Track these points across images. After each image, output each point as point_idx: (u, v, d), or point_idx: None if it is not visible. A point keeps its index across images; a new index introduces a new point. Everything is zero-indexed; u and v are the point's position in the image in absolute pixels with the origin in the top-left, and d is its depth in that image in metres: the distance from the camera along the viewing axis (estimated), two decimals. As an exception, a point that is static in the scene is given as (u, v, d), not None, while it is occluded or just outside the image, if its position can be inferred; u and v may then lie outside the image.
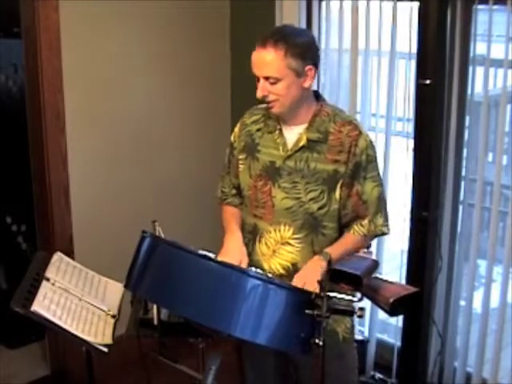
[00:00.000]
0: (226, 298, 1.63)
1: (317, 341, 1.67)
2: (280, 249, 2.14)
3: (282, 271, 2.14)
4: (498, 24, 2.66)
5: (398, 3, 2.89)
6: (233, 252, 2.13)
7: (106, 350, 1.95)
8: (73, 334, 1.94)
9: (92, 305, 2.12)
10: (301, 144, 2.09)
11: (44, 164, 3.02)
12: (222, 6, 3.58)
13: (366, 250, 1.89)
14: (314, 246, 2.12)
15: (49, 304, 1.97)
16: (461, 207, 2.93)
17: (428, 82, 2.67)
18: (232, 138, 2.31)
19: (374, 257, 1.83)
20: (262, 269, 2.16)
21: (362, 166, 2.08)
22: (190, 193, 3.67)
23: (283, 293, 1.67)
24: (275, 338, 1.65)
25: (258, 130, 2.20)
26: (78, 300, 2.10)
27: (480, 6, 2.67)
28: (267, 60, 1.97)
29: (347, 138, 2.07)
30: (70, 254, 2.88)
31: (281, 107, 2.05)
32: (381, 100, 3.15)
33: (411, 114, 2.93)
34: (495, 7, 2.63)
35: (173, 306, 1.75)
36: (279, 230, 2.13)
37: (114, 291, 2.24)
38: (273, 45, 1.96)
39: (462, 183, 2.91)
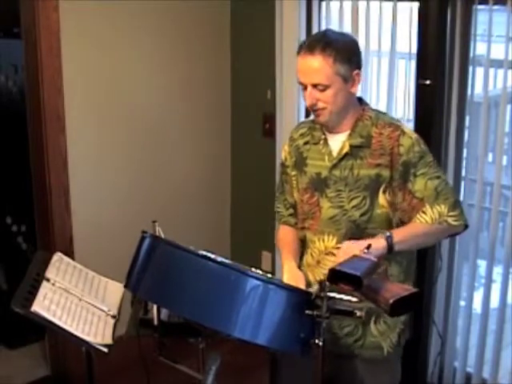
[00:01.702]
0: (225, 298, 1.63)
1: (316, 341, 1.67)
2: (324, 259, 2.10)
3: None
4: (498, 24, 2.66)
5: (398, 3, 2.89)
6: (290, 280, 2.02)
7: (105, 350, 1.95)
8: (73, 334, 1.94)
9: (92, 305, 2.11)
10: (344, 151, 2.05)
11: (44, 164, 3.02)
12: (221, 5, 3.59)
13: (365, 251, 1.88)
14: None
15: (49, 304, 1.97)
16: (461, 207, 2.93)
17: (428, 82, 2.68)
18: (283, 157, 2.27)
19: (374, 257, 1.82)
20: (308, 279, 2.11)
21: (411, 164, 2.00)
22: (190, 193, 3.67)
23: (283, 293, 1.67)
24: (275, 338, 1.65)
25: (306, 143, 2.17)
26: (78, 300, 2.10)
27: (480, 6, 2.67)
28: (316, 67, 1.94)
29: (388, 139, 2.02)
30: (70, 254, 2.88)
31: (328, 115, 2.02)
32: (381, 100, 3.15)
33: (411, 114, 2.93)
34: (495, 7, 2.63)
35: (173, 306, 1.75)
36: (323, 240, 2.11)
37: (114, 291, 2.24)
38: (321, 51, 1.93)
39: (462, 183, 2.91)
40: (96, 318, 2.07)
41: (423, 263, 2.85)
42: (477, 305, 2.97)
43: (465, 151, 2.88)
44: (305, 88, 2.00)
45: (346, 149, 2.05)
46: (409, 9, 2.84)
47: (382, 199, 2.04)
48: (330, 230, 2.09)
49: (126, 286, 1.86)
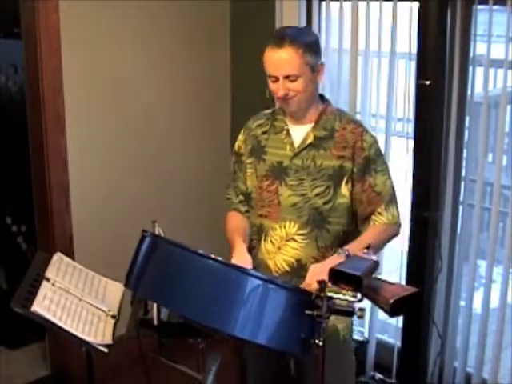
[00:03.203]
0: (225, 298, 1.63)
1: (316, 341, 1.67)
2: (285, 245, 2.16)
3: (286, 268, 2.15)
4: (498, 24, 2.67)
5: (398, 3, 2.89)
6: (237, 261, 2.02)
7: (105, 350, 1.95)
8: (73, 335, 1.94)
9: (92, 305, 2.12)
10: (308, 142, 2.15)
11: (44, 164, 3.02)
12: (221, 5, 3.58)
13: (365, 250, 1.88)
14: (318, 241, 2.13)
15: (49, 304, 1.97)
16: (461, 208, 2.93)
17: (428, 82, 2.68)
18: (236, 147, 2.35)
19: (374, 257, 1.82)
20: (267, 267, 2.17)
21: (371, 159, 2.14)
22: (190, 193, 3.67)
23: (283, 293, 1.67)
24: (275, 338, 1.65)
25: (264, 132, 2.26)
26: (78, 300, 2.10)
27: (480, 6, 2.67)
28: (287, 58, 2.04)
29: (351, 134, 2.14)
30: (70, 254, 2.88)
31: (298, 103, 2.11)
32: (381, 100, 3.15)
33: (411, 114, 2.93)
34: (495, 7, 2.63)
35: (172, 306, 1.75)
36: (284, 227, 2.16)
37: (114, 291, 2.24)
38: (290, 43, 2.03)
39: (462, 184, 2.91)
40: (96, 318, 2.07)
41: (423, 263, 2.85)
42: (477, 305, 2.97)
43: (465, 151, 2.88)
44: (275, 80, 2.08)
45: (311, 139, 2.15)
46: (409, 9, 2.84)
47: (345, 189, 2.13)
48: (291, 216, 2.15)
49: (125, 285, 1.86)
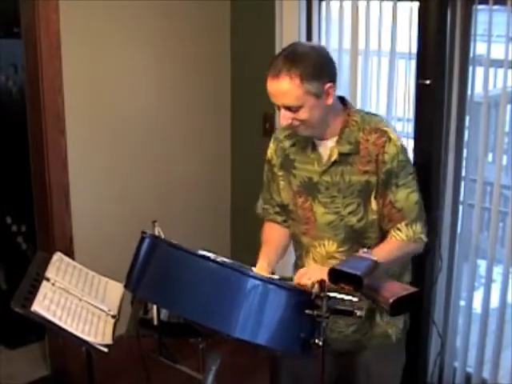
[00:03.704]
0: (225, 298, 1.63)
1: (316, 341, 1.67)
2: (326, 263, 2.07)
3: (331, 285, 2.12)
4: (498, 24, 2.66)
5: (398, 3, 2.89)
6: None
7: (105, 350, 1.95)
8: (73, 334, 1.94)
9: (92, 305, 2.12)
10: (333, 159, 2.03)
11: (44, 164, 3.02)
12: (221, 5, 3.58)
13: (365, 250, 1.88)
14: None
15: (49, 304, 1.97)
16: (461, 207, 2.93)
17: (428, 82, 2.67)
18: (269, 154, 2.23)
19: (374, 257, 1.82)
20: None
21: (393, 173, 2.00)
22: (190, 193, 3.67)
23: (283, 293, 1.67)
24: (275, 338, 1.65)
25: (292, 145, 2.14)
26: (78, 300, 2.10)
27: (480, 6, 2.67)
28: (284, 90, 1.89)
29: (373, 146, 2.00)
30: (70, 254, 2.88)
31: (307, 129, 2.00)
32: (381, 100, 3.15)
33: (411, 114, 2.93)
34: (495, 7, 2.63)
35: (172, 306, 1.75)
36: (324, 245, 2.10)
37: (113, 291, 2.24)
38: (286, 73, 1.88)
39: (462, 183, 2.91)
40: (96, 317, 2.07)
41: (423, 263, 2.85)
42: (477, 305, 2.97)
43: (465, 151, 2.88)
44: (278, 108, 1.96)
45: (335, 156, 2.03)
46: (409, 9, 2.84)
47: (374, 205, 2.04)
48: (329, 235, 2.08)
49: (125, 287, 1.86)
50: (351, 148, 2.02)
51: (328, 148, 2.05)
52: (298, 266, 2.22)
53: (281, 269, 2.17)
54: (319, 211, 2.08)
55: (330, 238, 2.08)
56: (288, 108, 1.93)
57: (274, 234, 2.23)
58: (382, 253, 1.95)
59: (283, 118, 1.96)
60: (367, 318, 2.12)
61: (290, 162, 2.14)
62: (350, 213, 2.04)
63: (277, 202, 2.23)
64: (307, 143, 2.09)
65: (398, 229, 2.03)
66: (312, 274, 1.85)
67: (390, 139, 2.00)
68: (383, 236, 2.07)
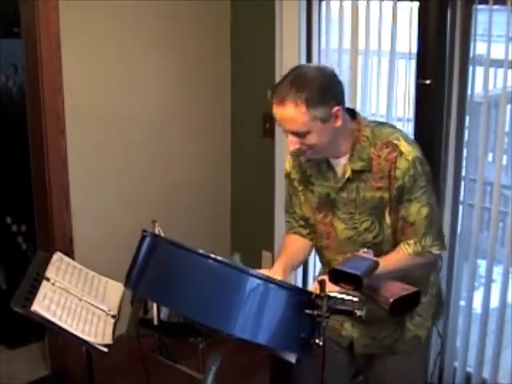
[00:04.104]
0: (226, 297, 1.63)
1: (317, 341, 1.67)
2: None
3: None
4: (498, 24, 2.66)
5: (398, 3, 2.89)
6: None
7: (106, 350, 1.95)
8: (73, 334, 1.94)
9: (92, 305, 2.12)
10: (346, 176, 2.01)
11: (44, 164, 3.02)
12: (221, 5, 3.59)
13: (365, 250, 1.88)
14: None
15: (49, 304, 1.97)
16: (461, 207, 2.93)
17: (428, 82, 2.67)
18: (288, 168, 2.19)
19: (374, 257, 1.82)
20: None
21: (405, 188, 1.96)
22: (190, 193, 3.67)
23: (283, 292, 1.67)
24: (275, 337, 1.65)
25: (307, 160, 2.10)
26: (78, 300, 2.10)
27: (480, 6, 2.67)
28: (289, 116, 1.86)
29: (385, 162, 1.96)
30: (70, 254, 2.89)
31: (317, 153, 1.97)
32: (381, 100, 3.15)
33: (411, 114, 2.93)
34: (495, 7, 2.63)
35: (172, 305, 1.74)
36: None
37: (113, 291, 2.24)
38: (291, 100, 1.84)
39: (462, 183, 2.91)
40: (96, 317, 2.07)
41: (423, 263, 2.85)
42: (477, 305, 2.97)
43: (465, 151, 2.88)
44: (285, 132, 1.93)
45: (348, 173, 2.00)
46: (409, 9, 2.84)
47: (389, 220, 2.02)
48: (349, 249, 2.06)
49: (125, 285, 1.86)
50: (363, 165, 1.98)
51: (341, 165, 2.02)
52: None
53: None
54: (339, 227, 2.07)
55: (351, 251, 2.04)
56: (295, 133, 1.90)
57: (293, 245, 2.20)
58: (388, 262, 1.94)
59: (290, 144, 1.92)
60: (398, 325, 2.13)
61: (307, 178, 2.12)
62: (365, 229, 2.04)
63: (300, 216, 2.21)
64: (322, 161, 2.06)
65: (408, 244, 2.01)
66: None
67: (401, 153, 1.95)
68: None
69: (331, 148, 1.98)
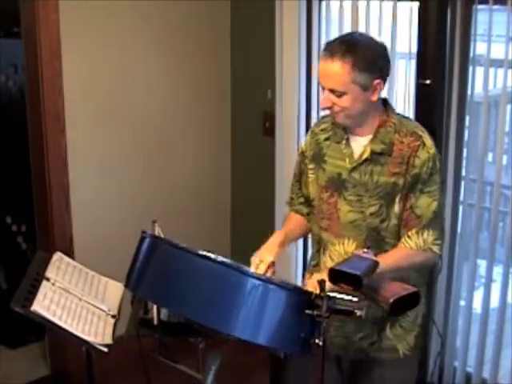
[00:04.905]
0: (226, 298, 1.63)
1: (316, 341, 1.67)
2: None
3: None
4: (498, 24, 2.66)
5: (398, 3, 2.89)
6: (261, 251, 2.05)
7: (105, 350, 1.95)
8: (73, 334, 1.94)
9: (92, 305, 2.12)
10: (364, 156, 2.02)
11: (44, 165, 3.02)
12: (221, 5, 3.59)
13: (365, 250, 1.88)
14: None
15: (49, 304, 1.97)
16: (461, 207, 2.93)
17: (428, 81, 2.68)
18: (303, 147, 2.23)
19: (374, 257, 1.82)
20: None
21: (420, 178, 1.97)
22: (191, 193, 3.67)
23: (283, 293, 1.67)
24: (275, 338, 1.65)
25: (327, 139, 2.13)
26: (78, 300, 2.10)
27: (480, 6, 2.67)
28: (333, 72, 1.90)
29: (407, 148, 1.98)
30: (70, 254, 2.88)
31: (346, 118, 1.99)
32: (381, 100, 3.14)
33: (411, 114, 2.93)
34: (495, 7, 2.63)
35: (172, 306, 1.75)
36: (343, 244, 2.08)
37: (113, 291, 2.24)
38: (340, 57, 1.88)
39: (462, 183, 2.91)
40: (96, 317, 2.07)
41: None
42: (477, 305, 2.97)
43: (465, 151, 2.88)
44: (323, 89, 1.96)
45: (367, 154, 2.01)
46: (409, 9, 2.84)
47: (397, 208, 2.01)
48: (350, 234, 2.06)
49: (126, 286, 1.86)
50: (384, 148, 2.00)
51: (361, 145, 2.04)
52: (311, 263, 2.23)
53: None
54: (343, 209, 2.07)
55: (351, 237, 2.06)
56: (332, 91, 1.93)
57: (294, 221, 2.25)
58: (389, 260, 1.94)
59: (324, 100, 1.95)
60: (377, 329, 2.12)
61: (321, 156, 2.13)
62: (371, 214, 2.03)
63: (303, 194, 2.23)
64: (342, 138, 2.08)
65: (409, 236, 2.00)
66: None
67: (424, 144, 1.99)
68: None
69: (359, 120, 2.01)
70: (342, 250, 2.08)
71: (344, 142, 2.07)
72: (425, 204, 1.99)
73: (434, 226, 2.01)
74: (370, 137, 2.03)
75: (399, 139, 2.00)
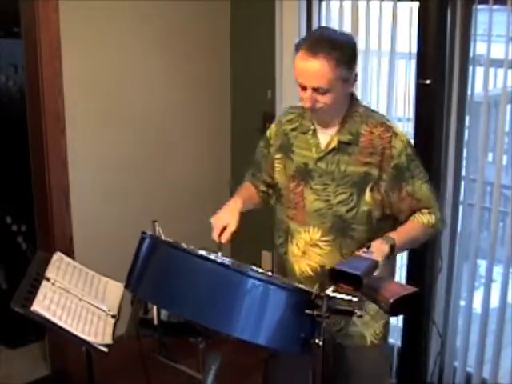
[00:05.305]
0: (225, 299, 1.63)
1: (316, 341, 1.67)
2: (309, 250, 2.12)
3: (310, 273, 2.13)
4: (498, 24, 2.67)
5: (398, 3, 2.89)
6: (223, 215, 2.14)
7: (105, 350, 1.95)
8: (73, 334, 1.94)
9: (92, 305, 2.12)
10: (331, 146, 2.06)
11: (44, 164, 3.02)
12: (221, 5, 3.59)
13: (365, 250, 1.88)
14: (343, 248, 2.09)
15: (49, 304, 1.97)
16: (461, 207, 2.93)
17: (428, 81, 2.68)
18: (268, 134, 2.28)
19: (374, 257, 1.82)
20: (293, 270, 2.17)
21: (404, 166, 2.03)
22: (190, 193, 3.67)
23: (283, 293, 1.67)
24: (275, 338, 1.65)
25: (293, 129, 2.17)
26: (78, 300, 2.10)
27: (480, 6, 2.67)
28: (318, 70, 1.90)
29: (379, 139, 2.02)
30: (70, 254, 2.88)
31: (326, 113, 2.02)
32: (381, 100, 3.15)
33: (411, 114, 2.93)
34: (495, 7, 2.63)
35: (172, 307, 1.75)
36: (308, 231, 2.12)
37: (113, 291, 2.24)
38: (326, 54, 1.89)
39: (462, 183, 2.91)
40: (96, 317, 2.07)
41: (423, 263, 2.85)
42: (477, 305, 2.97)
43: (465, 151, 2.88)
44: (303, 88, 1.97)
45: (334, 143, 2.06)
46: (409, 9, 2.84)
47: (369, 197, 2.05)
48: (315, 222, 2.10)
49: (126, 287, 1.86)
50: (351, 138, 2.04)
51: (328, 136, 2.08)
52: (280, 253, 2.25)
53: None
54: (310, 197, 2.11)
55: (315, 225, 2.10)
56: (316, 90, 1.94)
57: (251, 191, 2.33)
58: (403, 230, 2.02)
59: (308, 100, 1.96)
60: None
61: (289, 146, 2.17)
62: (339, 202, 2.06)
63: (263, 179, 2.30)
64: (308, 129, 2.12)
65: (422, 213, 2.07)
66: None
67: (395, 134, 2.03)
68: (371, 230, 2.08)
69: (334, 112, 2.04)
70: (307, 237, 2.13)
71: (311, 132, 2.11)
72: (419, 187, 2.05)
73: (435, 206, 2.10)
74: (336, 127, 2.06)
75: (368, 129, 2.04)
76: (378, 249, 1.90)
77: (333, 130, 2.07)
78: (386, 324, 2.23)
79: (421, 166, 2.08)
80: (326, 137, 2.08)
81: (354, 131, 2.04)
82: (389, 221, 2.11)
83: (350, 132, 2.04)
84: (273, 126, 2.28)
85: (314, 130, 2.10)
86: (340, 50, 1.91)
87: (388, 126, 2.04)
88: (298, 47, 1.96)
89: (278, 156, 2.21)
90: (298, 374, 2.05)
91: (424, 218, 2.07)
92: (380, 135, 2.02)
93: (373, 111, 2.14)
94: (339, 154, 2.05)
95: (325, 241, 2.09)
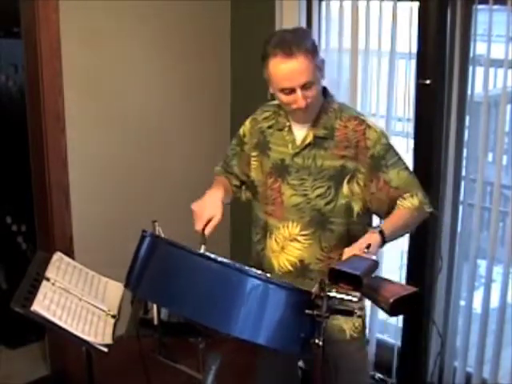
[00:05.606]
0: (225, 298, 1.63)
1: (316, 341, 1.67)
2: (288, 245, 2.14)
3: (289, 267, 2.15)
4: (498, 24, 2.67)
5: (398, 3, 2.89)
6: (208, 205, 2.17)
7: (105, 350, 1.95)
8: (73, 334, 1.94)
9: (92, 305, 2.12)
10: (307, 141, 2.10)
11: (44, 164, 3.02)
12: (221, 5, 3.59)
13: (366, 250, 1.88)
14: (322, 242, 2.11)
15: (49, 304, 1.97)
16: (461, 207, 2.93)
17: (428, 81, 2.68)
18: (242, 132, 2.32)
19: (374, 257, 1.82)
20: (272, 265, 2.18)
21: (379, 156, 2.06)
22: (191, 193, 3.65)
23: (283, 293, 1.67)
24: (275, 337, 1.65)
25: (269, 127, 2.21)
26: (78, 300, 2.10)
27: (480, 6, 2.67)
28: (301, 66, 1.94)
29: (353, 132, 2.07)
30: (70, 254, 2.88)
31: (313, 107, 2.06)
32: (381, 100, 3.15)
33: (411, 114, 2.93)
34: (495, 7, 2.63)
35: (172, 306, 1.75)
36: (287, 227, 2.14)
37: (113, 291, 2.24)
38: (299, 51, 1.93)
39: (462, 183, 2.91)
40: (96, 317, 2.07)
41: (423, 263, 2.85)
42: (477, 305, 2.97)
43: (465, 151, 2.88)
44: (289, 92, 1.99)
45: (310, 139, 2.09)
46: (409, 9, 2.84)
47: (346, 189, 2.08)
48: (293, 217, 2.12)
49: (125, 286, 1.86)
50: (326, 133, 2.09)
51: (303, 131, 2.11)
52: (257, 249, 2.26)
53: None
54: (287, 193, 2.13)
55: (294, 220, 2.12)
56: (304, 86, 1.97)
57: (226, 183, 2.36)
58: (389, 222, 2.02)
59: (302, 99, 1.98)
60: None
61: (265, 143, 2.20)
62: (318, 196, 2.09)
63: (236, 174, 2.34)
64: (284, 126, 2.15)
65: (404, 198, 2.07)
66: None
67: (369, 126, 2.08)
68: (351, 223, 2.11)
69: (317, 105, 2.07)
70: (286, 233, 2.14)
71: (286, 129, 2.14)
72: (395, 176, 2.07)
73: (416, 189, 2.09)
74: (310, 123, 2.10)
75: (342, 124, 2.09)
76: (369, 238, 1.90)
77: (307, 126, 2.11)
78: (363, 318, 2.25)
79: (397, 154, 2.10)
80: (302, 132, 2.12)
81: (328, 126, 2.09)
82: (369, 214, 2.15)
83: (324, 127, 2.09)
84: (247, 123, 2.32)
85: (290, 127, 2.14)
86: (305, 40, 1.97)
87: (362, 120, 2.09)
88: (266, 57, 1.98)
89: (254, 154, 2.25)
90: (286, 372, 2.06)
91: (407, 202, 2.06)
92: (354, 128, 2.07)
93: (347, 106, 2.19)
94: (315, 148, 2.09)
95: (304, 235, 2.12)
